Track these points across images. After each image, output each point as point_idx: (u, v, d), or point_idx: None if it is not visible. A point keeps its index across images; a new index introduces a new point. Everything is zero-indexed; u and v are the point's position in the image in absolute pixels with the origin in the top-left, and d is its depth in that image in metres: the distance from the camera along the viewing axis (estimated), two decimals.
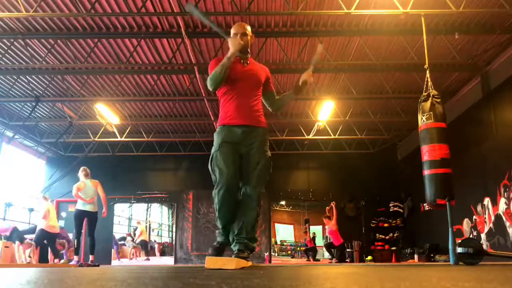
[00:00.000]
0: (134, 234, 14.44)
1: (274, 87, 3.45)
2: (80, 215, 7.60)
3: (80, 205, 7.61)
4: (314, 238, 13.90)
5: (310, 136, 11.27)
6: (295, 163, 12.84)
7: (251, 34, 3.24)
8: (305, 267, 3.40)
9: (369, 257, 11.84)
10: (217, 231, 3.21)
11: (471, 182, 8.24)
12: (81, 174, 7.86)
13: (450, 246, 4.71)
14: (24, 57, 7.79)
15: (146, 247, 14.47)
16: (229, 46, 3.06)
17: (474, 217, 8.30)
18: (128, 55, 7.73)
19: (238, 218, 3.09)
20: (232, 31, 3.21)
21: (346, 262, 10.97)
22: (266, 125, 3.25)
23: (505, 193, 7.23)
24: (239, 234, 3.08)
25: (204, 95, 9.22)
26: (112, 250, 12.75)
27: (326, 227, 11.94)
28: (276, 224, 15.40)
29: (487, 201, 7.84)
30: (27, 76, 8.62)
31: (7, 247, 9.10)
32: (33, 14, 6.17)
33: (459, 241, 4.60)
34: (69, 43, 7.41)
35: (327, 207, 12.03)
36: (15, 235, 8.95)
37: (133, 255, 13.77)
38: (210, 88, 3.10)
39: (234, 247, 3.07)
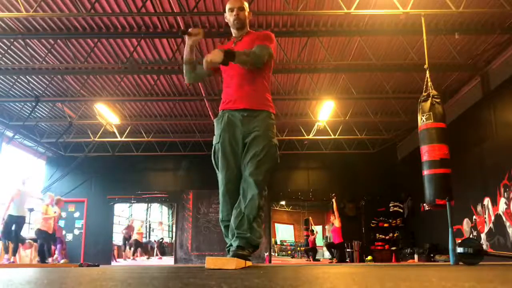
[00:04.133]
0: (129, 236, 14.12)
1: (262, 42, 2.87)
2: (13, 220, 8.06)
3: (14, 211, 8.06)
4: (314, 238, 13.91)
5: (310, 136, 11.27)
6: (295, 163, 12.84)
7: (248, 10, 3.02)
8: (305, 267, 3.40)
9: (369, 257, 11.85)
10: (234, 236, 2.75)
11: (471, 182, 8.24)
12: (19, 182, 8.41)
13: (450, 246, 4.72)
14: (24, 57, 7.79)
15: (137, 247, 14.05)
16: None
17: (474, 217, 8.30)
18: (128, 55, 7.74)
19: (237, 209, 2.73)
20: (228, 5, 2.98)
21: (346, 262, 10.98)
22: (272, 109, 2.92)
23: (505, 193, 7.23)
24: (239, 228, 2.67)
25: (204, 95, 9.22)
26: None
27: (326, 226, 11.93)
28: (276, 224, 15.37)
29: (487, 201, 7.84)
30: (27, 76, 8.62)
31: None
32: (33, 14, 6.17)
33: (459, 241, 4.60)
34: (69, 43, 7.41)
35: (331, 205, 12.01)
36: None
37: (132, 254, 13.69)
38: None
39: (234, 243, 2.68)
